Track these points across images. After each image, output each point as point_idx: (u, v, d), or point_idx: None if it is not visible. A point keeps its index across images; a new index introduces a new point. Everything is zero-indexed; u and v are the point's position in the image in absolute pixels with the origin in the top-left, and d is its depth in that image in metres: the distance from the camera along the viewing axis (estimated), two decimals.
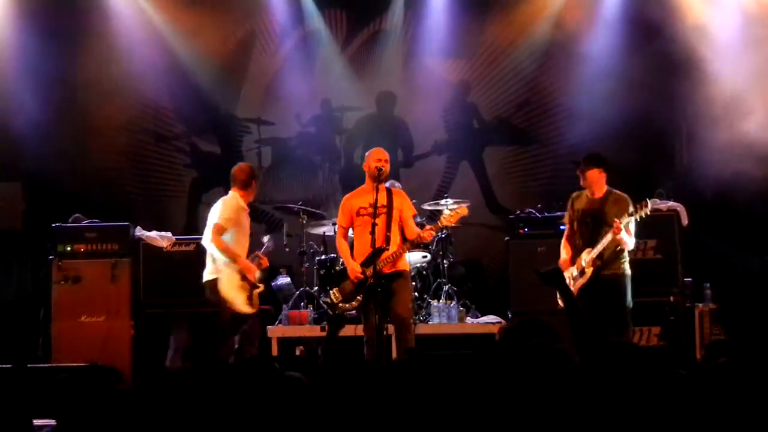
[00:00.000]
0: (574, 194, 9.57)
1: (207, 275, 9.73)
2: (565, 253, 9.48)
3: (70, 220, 11.60)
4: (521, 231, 11.82)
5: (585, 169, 9.33)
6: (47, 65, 12.95)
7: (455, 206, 9.35)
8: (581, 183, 9.42)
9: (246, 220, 9.76)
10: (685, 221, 11.18)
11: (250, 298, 9.55)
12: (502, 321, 11.25)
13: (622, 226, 8.96)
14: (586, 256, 9.18)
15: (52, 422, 4.91)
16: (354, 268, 9.03)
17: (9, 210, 12.41)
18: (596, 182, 9.34)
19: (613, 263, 9.27)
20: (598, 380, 4.24)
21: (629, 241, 9.21)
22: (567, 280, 9.23)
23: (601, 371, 4.28)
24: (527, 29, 13.54)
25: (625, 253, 9.33)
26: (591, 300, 9.05)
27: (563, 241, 9.57)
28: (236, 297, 9.53)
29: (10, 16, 12.99)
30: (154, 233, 11.50)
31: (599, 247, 9.13)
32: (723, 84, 11.70)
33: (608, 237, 9.06)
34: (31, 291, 11.67)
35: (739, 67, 11.75)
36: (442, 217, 9.20)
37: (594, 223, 9.27)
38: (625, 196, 9.39)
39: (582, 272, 9.23)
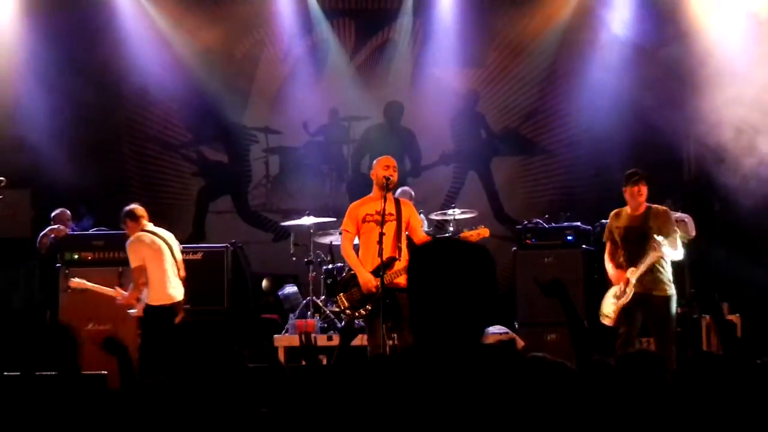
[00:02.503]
0: (614, 211, 9.40)
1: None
2: (611, 268, 9.30)
3: (52, 216, 11.70)
4: (528, 241, 11.80)
5: (643, 185, 9.19)
6: (56, 74, 13.00)
7: (475, 228, 9.25)
8: (632, 199, 9.21)
9: None
10: (692, 232, 11.17)
11: None
12: (509, 332, 11.22)
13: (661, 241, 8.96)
14: (632, 277, 9.12)
15: None
16: (369, 280, 8.87)
17: (17, 217, 12.43)
18: (645, 198, 9.24)
19: (661, 282, 9.18)
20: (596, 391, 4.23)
21: (674, 254, 9.14)
22: (613, 297, 9.23)
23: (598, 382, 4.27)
24: (536, 40, 13.56)
25: (669, 271, 9.26)
26: (637, 316, 9.09)
27: (607, 257, 9.37)
28: None
29: (23, 27, 13.05)
30: None
31: (642, 268, 9.03)
32: (731, 94, 11.70)
33: (650, 256, 9.00)
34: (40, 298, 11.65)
35: (747, 77, 11.75)
36: (461, 236, 9.11)
37: (638, 240, 9.16)
38: (664, 208, 9.35)
39: (624, 292, 9.14)
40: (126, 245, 10.02)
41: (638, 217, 9.23)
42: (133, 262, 9.92)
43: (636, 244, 9.16)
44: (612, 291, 9.30)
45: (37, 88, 12.98)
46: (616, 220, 9.34)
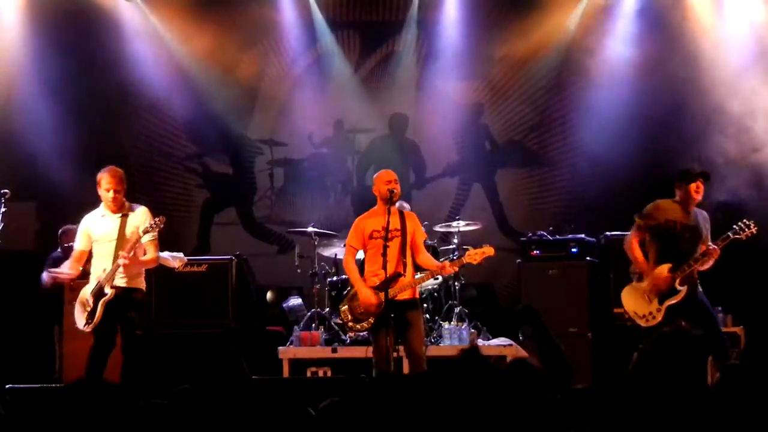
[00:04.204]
0: (663, 202, 9.22)
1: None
2: (642, 257, 9.14)
3: (60, 232, 11.66)
4: (533, 253, 11.83)
5: (701, 182, 9.06)
6: (61, 87, 13.03)
7: (482, 248, 9.18)
8: (691, 196, 9.05)
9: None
10: None
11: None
12: (513, 343, 11.23)
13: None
14: (671, 273, 8.97)
15: None
16: (368, 297, 8.91)
17: (22, 230, 12.43)
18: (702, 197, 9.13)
19: (696, 279, 9.12)
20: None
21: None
22: (648, 296, 9.09)
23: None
24: (540, 52, 13.57)
25: None
26: (687, 319, 8.99)
27: (635, 245, 9.21)
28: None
29: (28, 39, 13.09)
30: (166, 253, 11.46)
31: (696, 267, 8.95)
32: (736, 106, 11.71)
33: (709, 262, 8.94)
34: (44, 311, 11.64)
35: (751, 85, 11.77)
36: (467, 254, 9.11)
37: (691, 239, 9.06)
38: (706, 214, 9.25)
39: (675, 291, 9.01)
40: (141, 209, 9.16)
41: (690, 215, 9.09)
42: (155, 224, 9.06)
43: (688, 242, 9.03)
44: (637, 290, 9.20)
45: (42, 101, 12.99)
46: (666, 212, 9.14)
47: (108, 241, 9.05)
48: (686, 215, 9.12)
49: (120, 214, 9.11)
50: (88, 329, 9.04)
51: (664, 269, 9.03)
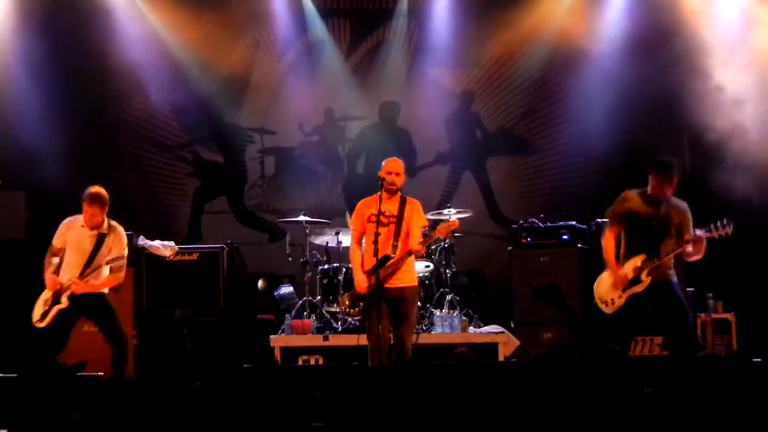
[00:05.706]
0: (627, 194, 9.03)
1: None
2: (611, 252, 9.01)
3: None
4: (524, 241, 11.84)
5: (675, 177, 8.88)
6: (51, 74, 12.97)
7: (453, 216, 9.32)
8: (660, 189, 8.82)
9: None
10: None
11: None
12: (505, 331, 11.24)
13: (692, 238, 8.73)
14: (642, 264, 8.85)
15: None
16: (359, 282, 9.12)
17: (11, 219, 12.41)
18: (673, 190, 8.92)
19: (671, 270, 8.95)
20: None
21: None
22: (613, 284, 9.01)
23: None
24: (531, 40, 13.55)
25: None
26: (652, 306, 8.93)
27: (610, 239, 9.05)
28: None
29: (15, 25, 13.01)
30: (157, 242, 11.50)
31: (663, 258, 8.78)
32: (727, 94, 11.71)
33: (677, 250, 8.79)
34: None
35: (743, 76, 11.77)
36: (436, 230, 9.26)
37: (659, 229, 8.85)
38: (685, 204, 9.00)
39: (638, 280, 8.87)
40: (118, 233, 9.32)
41: (659, 205, 8.89)
42: (126, 249, 9.42)
43: (654, 231, 8.84)
44: (609, 275, 9.15)
45: (31, 89, 12.92)
46: (631, 202, 8.97)
47: (80, 251, 9.24)
48: (651, 205, 8.91)
49: (98, 232, 9.27)
50: (38, 325, 9.24)
51: (637, 261, 8.92)
